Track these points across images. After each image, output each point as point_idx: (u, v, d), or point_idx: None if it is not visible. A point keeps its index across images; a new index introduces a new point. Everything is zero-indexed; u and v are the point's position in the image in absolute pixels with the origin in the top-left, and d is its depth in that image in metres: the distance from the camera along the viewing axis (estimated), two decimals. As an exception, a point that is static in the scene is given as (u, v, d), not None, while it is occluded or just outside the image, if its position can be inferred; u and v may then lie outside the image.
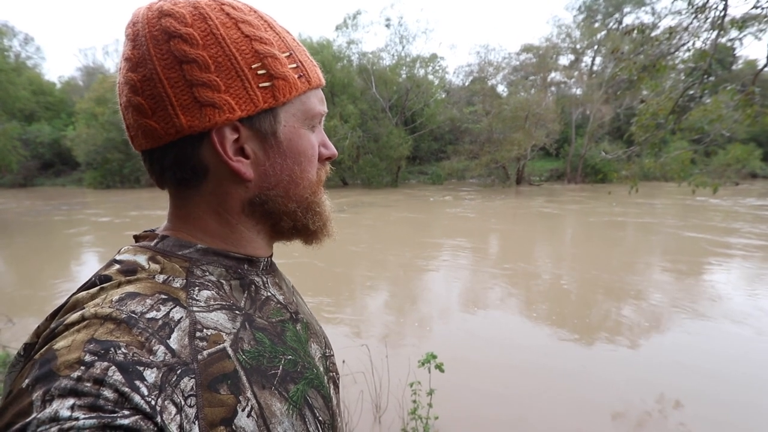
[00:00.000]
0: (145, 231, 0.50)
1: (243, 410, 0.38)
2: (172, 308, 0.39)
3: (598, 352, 4.26)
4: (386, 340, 4.27)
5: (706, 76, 4.16)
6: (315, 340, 0.56)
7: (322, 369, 0.53)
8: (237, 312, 0.45)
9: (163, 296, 0.40)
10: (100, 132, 24.40)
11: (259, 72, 0.44)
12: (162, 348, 0.36)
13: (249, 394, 0.40)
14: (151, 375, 0.33)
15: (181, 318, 0.39)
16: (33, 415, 0.29)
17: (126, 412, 0.31)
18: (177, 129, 0.42)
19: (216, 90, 0.42)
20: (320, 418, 0.47)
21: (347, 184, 23.94)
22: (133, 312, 0.36)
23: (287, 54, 0.46)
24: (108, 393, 0.31)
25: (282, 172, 0.48)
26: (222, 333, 0.41)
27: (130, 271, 0.42)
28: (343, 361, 3.29)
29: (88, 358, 0.32)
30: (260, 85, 0.44)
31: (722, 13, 3.50)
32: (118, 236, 10.56)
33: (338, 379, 0.60)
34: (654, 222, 12.02)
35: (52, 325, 0.36)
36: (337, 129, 20.96)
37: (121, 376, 0.32)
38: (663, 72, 4.30)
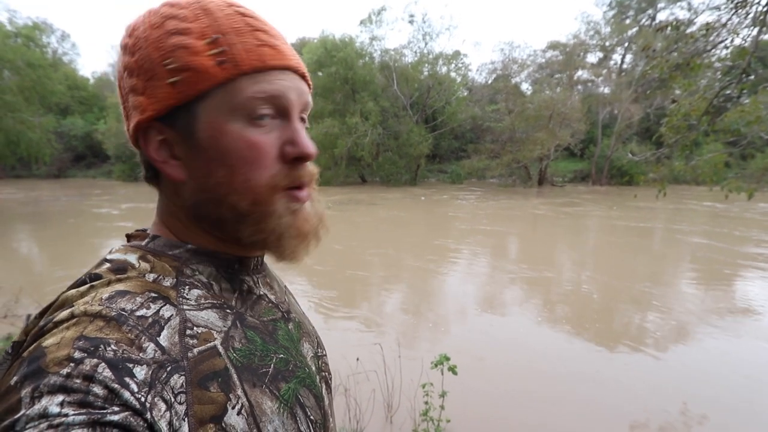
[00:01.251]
0: (136, 230, 0.50)
1: (233, 408, 0.38)
2: (162, 306, 0.39)
3: (619, 359, 4.12)
4: (400, 340, 4.25)
5: (744, 75, 3.94)
6: (307, 340, 0.55)
7: (314, 368, 0.53)
8: (228, 311, 0.45)
9: (153, 294, 0.40)
10: (129, 126, 25.24)
11: (169, 67, 0.41)
12: (152, 345, 0.35)
13: (239, 392, 0.39)
14: (140, 372, 0.33)
15: (171, 316, 0.39)
16: (21, 412, 0.29)
17: (116, 409, 0.30)
18: (127, 133, 0.46)
19: (137, 93, 0.42)
20: (312, 418, 0.47)
21: (366, 181, 24.00)
22: (123, 310, 0.36)
23: (210, 40, 0.41)
24: (98, 389, 0.30)
25: (208, 175, 0.43)
26: (212, 331, 0.41)
27: (120, 269, 0.41)
28: (357, 359, 3.30)
29: (77, 354, 0.31)
30: (169, 80, 0.41)
31: (765, 8, 3.30)
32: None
33: (330, 379, 0.59)
34: (682, 228, 11.54)
35: (41, 323, 0.36)
36: (358, 126, 21.01)
37: (110, 373, 0.31)
38: (698, 71, 4.10)
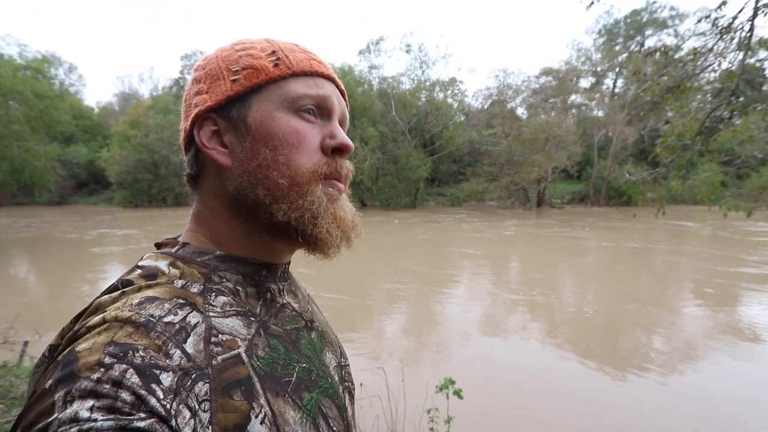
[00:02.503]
0: (167, 238, 0.52)
1: (256, 417, 0.38)
2: (189, 313, 0.40)
3: (626, 382, 4.03)
4: (403, 364, 4.17)
5: (734, 97, 4.05)
6: (330, 349, 0.55)
7: (336, 378, 0.53)
8: (252, 318, 0.45)
9: (181, 301, 0.40)
10: (132, 153, 25.60)
11: (233, 68, 0.47)
12: (178, 352, 0.36)
13: (262, 400, 0.40)
14: (167, 378, 0.34)
15: (197, 323, 0.40)
16: (54, 415, 0.30)
17: (142, 415, 0.31)
18: (182, 133, 0.51)
19: (201, 93, 0.48)
20: (334, 428, 0.46)
21: (366, 205, 24.10)
22: (152, 316, 0.37)
23: (270, 51, 0.48)
24: (125, 395, 0.31)
25: (252, 157, 0.46)
26: (237, 339, 0.42)
27: (150, 275, 0.43)
28: (361, 384, 3.23)
29: (107, 360, 0.32)
30: (231, 78, 0.47)
31: (748, 34, 3.43)
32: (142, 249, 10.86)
33: (353, 389, 0.58)
34: (682, 249, 11.52)
35: (75, 328, 0.37)
36: (357, 151, 21.29)
37: (138, 379, 0.32)
38: (688, 93, 4.22)
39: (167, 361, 0.35)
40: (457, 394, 2.52)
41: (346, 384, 0.56)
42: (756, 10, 3.31)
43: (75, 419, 0.29)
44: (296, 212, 0.46)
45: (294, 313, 0.52)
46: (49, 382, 0.32)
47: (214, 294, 0.44)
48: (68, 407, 0.30)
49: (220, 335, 0.41)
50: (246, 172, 0.46)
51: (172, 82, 36.45)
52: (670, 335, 5.26)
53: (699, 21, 3.91)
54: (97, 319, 0.36)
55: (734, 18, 3.43)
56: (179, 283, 0.43)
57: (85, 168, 30.63)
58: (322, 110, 0.49)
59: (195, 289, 0.43)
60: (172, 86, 36.23)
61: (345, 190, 0.51)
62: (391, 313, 6.36)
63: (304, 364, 0.47)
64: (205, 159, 0.49)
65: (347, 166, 0.51)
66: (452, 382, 2.55)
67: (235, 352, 0.41)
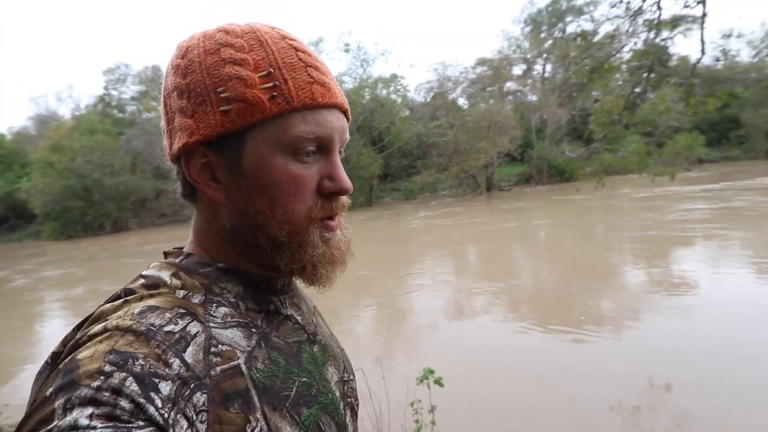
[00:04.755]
0: (174, 248, 0.51)
1: (252, 431, 0.38)
2: (189, 322, 0.40)
3: (588, 347, 4.33)
4: (381, 362, 4.19)
5: (649, 73, 4.47)
6: (333, 363, 0.54)
7: (338, 394, 0.52)
8: (253, 330, 0.45)
9: (182, 310, 0.40)
10: (58, 180, 23.37)
11: (222, 95, 0.42)
12: (177, 361, 0.36)
13: (259, 414, 0.39)
14: (165, 387, 0.34)
15: (197, 332, 0.40)
16: (54, 423, 0.30)
17: (141, 423, 0.31)
18: (167, 150, 0.48)
19: (185, 115, 0.44)
20: None
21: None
22: (152, 325, 0.37)
23: (264, 73, 0.43)
24: (124, 403, 0.31)
25: (248, 202, 0.44)
26: (236, 350, 0.41)
27: (153, 285, 0.43)
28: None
29: (107, 368, 0.33)
30: (221, 108, 0.42)
31: (657, 14, 3.79)
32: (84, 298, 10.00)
33: (357, 405, 0.57)
34: (621, 214, 12.54)
35: (78, 336, 0.38)
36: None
37: (137, 387, 0.32)
38: (610, 73, 4.60)
39: (167, 370, 0.35)
40: (438, 382, 2.57)
41: (349, 400, 0.54)
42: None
43: (74, 427, 0.29)
44: (298, 264, 0.46)
45: (296, 325, 0.51)
46: (50, 389, 0.32)
47: (215, 305, 0.44)
48: (68, 415, 0.30)
49: (219, 345, 0.40)
50: (243, 215, 0.45)
51: (96, 99, 33.54)
52: (616, 297, 5.72)
53: (613, 6, 4.26)
54: (98, 327, 0.37)
55: (644, 0, 3.77)
56: (181, 293, 0.43)
57: (2, 202, 27.52)
58: (322, 147, 0.46)
59: (196, 299, 0.43)
60: (96, 103, 33.37)
61: (339, 222, 0.50)
62: (359, 312, 6.35)
63: (305, 378, 0.46)
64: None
65: (343, 203, 0.49)
66: (431, 372, 2.60)
67: (235, 363, 0.40)
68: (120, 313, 0.38)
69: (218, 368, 0.39)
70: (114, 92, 33.04)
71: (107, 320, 0.38)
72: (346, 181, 0.47)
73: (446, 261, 9.17)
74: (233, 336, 0.42)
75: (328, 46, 31.11)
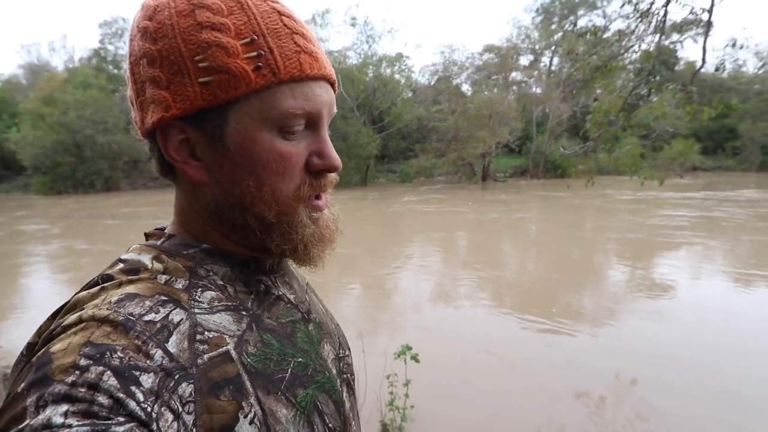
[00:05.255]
0: (156, 228, 0.49)
1: (245, 417, 0.37)
2: (171, 310, 0.38)
3: (563, 339, 4.51)
4: (362, 337, 4.32)
5: (651, 76, 4.50)
6: (328, 341, 0.53)
7: (335, 371, 0.51)
8: (243, 313, 0.43)
9: (164, 297, 0.38)
10: (49, 134, 22.86)
11: (201, 65, 0.38)
12: (159, 352, 0.34)
13: (252, 399, 0.38)
14: (147, 380, 0.32)
15: (180, 320, 0.38)
16: (26, 422, 0.28)
17: (121, 419, 0.30)
18: (138, 124, 0.43)
19: (158, 86, 0.40)
20: (330, 425, 0.45)
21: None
22: (131, 314, 0.35)
23: (247, 40, 0.39)
24: (102, 399, 0.30)
25: (233, 182, 0.42)
26: (225, 336, 0.40)
27: (133, 270, 0.41)
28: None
29: (83, 362, 0.31)
30: (200, 79, 0.38)
31: (663, 18, 3.80)
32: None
33: (353, 380, 0.57)
34: (609, 215, 12.74)
35: (52, 327, 0.36)
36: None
37: (116, 381, 0.31)
38: (614, 72, 4.62)
39: (148, 361, 0.33)
40: (414, 358, 2.70)
41: (345, 376, 0.54)
42: (669, -4, 3.67)
43: (48, 425, 0.28)
44: (288, 244, 0.45)
45: (289, 305, 0.50)
46: (22, 385, 0.31)
47: (200, 289, 0.41)
48: (41, 413, 0.28)
49: (206, 332, 0.39)
50: (228, 195, 0.43)
51: (91, 53, 32.54)
52: (594, 294, 5.90)
53: (623, 4, 4.25)
54: (73, 317, 0.35)
55: (651, 3, 3.77)
56: (163, 278, 0.41)
57: (-9, 151, 26.94)
58: (310, 124, 0.43)
59: (180, 284, 0.41)
60: (91, 57, 32.38)
61: (328, 201, 0.48)
62: (345, 288, 6.48)
63: (300, 359, 0.45)
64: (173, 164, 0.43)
65: (331, 180, 0.47)
66: (409, 348, 2.72)
67: (224, 349, 0.39)
68: (97, 301, 0.36)
69: (205, 356, 0.37)
70: (110, 47, 32.06)
71: (83, 309, 0.36)
72: (336, 158, 0.45)
73: (434, 247, 9.31)
74: (221, 321, 0.40)
75: (335, 18, 30.36)
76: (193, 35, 0.38)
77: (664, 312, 5.12)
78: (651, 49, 4.52)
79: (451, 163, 23.19)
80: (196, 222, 0.46)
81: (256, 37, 0.39)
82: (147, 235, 0.48)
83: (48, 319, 0.38)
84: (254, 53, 0.39)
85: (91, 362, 0.31)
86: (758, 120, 24.99)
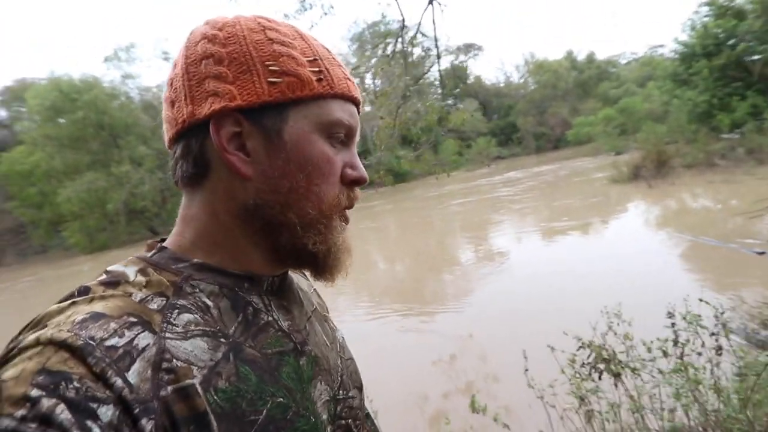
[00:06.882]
0: (158, 240, 0.48)
1: None
2: (138, 334, 0.35)
3: (437, 316, 5.21)
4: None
5: (449, 91, 5.84)
6: (324, 379, 0.48)
7: (325, 417, 0.45)
8: (222, 340, 0.40)
9: (132, 319, 0.35)
10: None
11: (272, 68, 0.42)
12: (119, 381, 0.32)
13: None
14: (106, 413, 0.30)
15: (146, 345, 0.35)
16: None
17: None
18: (184, 117, 0.43)
19: (223, 80, 0.42)
20: None
21: (157, 233, 20.91)
22: (92, 338, 0.32)
23: (311, 58, 0.45)
24: None
25: (283, 176, 0.43)
26: (193, 366, 0.36)
27: (112, 283, 0.39)
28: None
29: (34, 393, 0.28)
30: (269, 79, 0.42)
31: (437, 47, 5.23)
32: None
33: (358, 425, 0.51)
34: (445, 205, 15.01)
35: (11, 345, 0.34)
36: (130, 175, 18.24)
37: (70, 415, 0.28)
38: (386, 97, 6.32)
39: (107, 392, 0.31)
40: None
41: (342, 422, 0.48)
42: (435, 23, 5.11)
43: None
44: (324, 245, 0.45)
45: (280, 332, 0.45)
46: None
47: (177, 311, 0.39)
48: None
49: (174, 360, 0.35)
50: (274, 191, 0.43)
51: None
52: (460, 273, 7.00)
53: (413, 36, 5.54)
54: (31, 338, 0.32)
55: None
56: (138, 296, 0.38)
57: None
58: (347, 136, 0.47)
59: (155, 305, 0.38)
60: None
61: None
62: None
63: (280, 399, 0.40)
64: (215, 160, 0.43)
65: (357, 195, 0.50)
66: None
67: (189, 382, 0.35)
68: (60, 318, 0.34)
69: (169, 388, 0.34)
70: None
71: (45, 328, 0.33)
72: (364, 170, 0.48)
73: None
74: (193, 349, 0.37)
75: (143, 52, 27.13)
76: (265, 46, 0.43)
77: (504, 272, 6.34)
78: (447, 68, 5.91)
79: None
80: (213, 227, 0.45)
81: (316, 59, 0.45)
82: (148, 246, 0.47)
83: (19, 332, 0.36)
84: (316, 68, 0.45)
85: (44, 394, 0.29)
86: (527, 115, 33.46)
